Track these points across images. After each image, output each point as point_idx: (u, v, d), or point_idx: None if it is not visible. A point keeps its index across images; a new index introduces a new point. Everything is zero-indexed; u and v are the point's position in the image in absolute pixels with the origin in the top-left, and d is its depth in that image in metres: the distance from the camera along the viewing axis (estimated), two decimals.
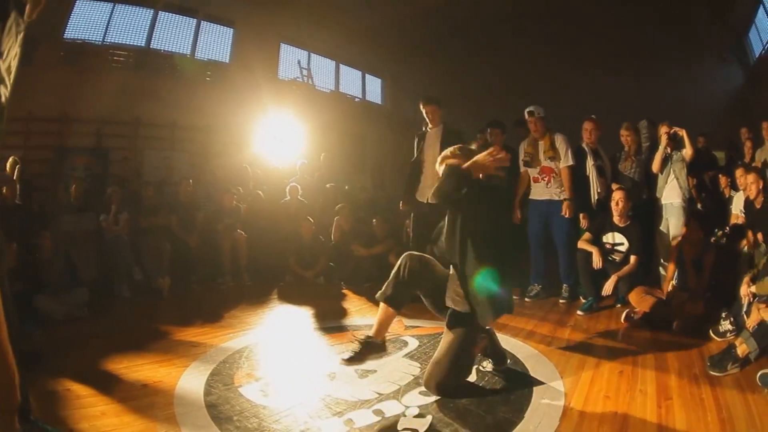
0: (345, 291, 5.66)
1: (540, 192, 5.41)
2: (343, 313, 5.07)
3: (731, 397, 2.86)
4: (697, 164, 5.88)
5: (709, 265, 4.47)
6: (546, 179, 5.35)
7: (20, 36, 1.80)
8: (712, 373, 3.21)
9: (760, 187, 4.79)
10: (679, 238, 4.89)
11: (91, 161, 8.46)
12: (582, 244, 5.10)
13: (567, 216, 5.23)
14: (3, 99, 1.78)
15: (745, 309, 3.75)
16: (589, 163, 5.42)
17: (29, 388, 2.61)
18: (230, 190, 7.15)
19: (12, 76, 1.80)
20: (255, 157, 9.09)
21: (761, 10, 9.23)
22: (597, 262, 4.92)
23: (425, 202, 5.10)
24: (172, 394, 2.94)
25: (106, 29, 8.79)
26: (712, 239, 4.60)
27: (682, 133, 5.20)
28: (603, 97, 8.82)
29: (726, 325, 3.93)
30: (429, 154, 5.17)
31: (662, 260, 5.35)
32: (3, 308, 1.83)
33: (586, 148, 5.46)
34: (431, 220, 3.67)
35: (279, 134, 9.74)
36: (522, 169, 5.51)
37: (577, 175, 5.33)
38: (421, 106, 5.35)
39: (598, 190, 5.40)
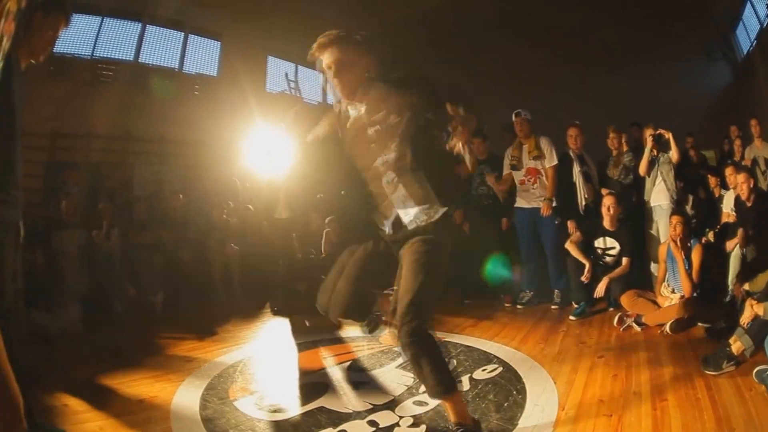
0: None
1: (526, 200, 5.42)
2: (336, 325, 5.04)
3: (728, 396, 2.85)
4: (686, 166, 5.92)
5: (698, 264, 4.48)
6: (532, 180, 5.36)
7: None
8: (707, 372, 3.19)
9: (751, 185, 4.85)
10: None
11: (81, 176, 8.39)
12: (571, 247, 5.08)
13: (545, 214, 5.25)
14: None
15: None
16: (576, 169, 5.46)
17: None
18: (220, 204, 7.10)
19: None
20: (244, 170, 9.07)
21: (748, 7, 9.29)
22: (587, 276, 4.94)
23: None
24: (168, 409, 2.94)
25: (95, 43, 8.78)
26: (703, 239, 4.61)
27: (668, 135, 5.24)
28: (589, 99, 8.89)
29: None
30: None
31: (653, 262, 5.38)
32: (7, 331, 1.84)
33: (571, 155, 5.50)
34: None
35: (268, 147, 9.68)
36: (506, 171, 5.54)
37: (564, 181, 5.37)
38: None
39: (585, 196, 5.43)
